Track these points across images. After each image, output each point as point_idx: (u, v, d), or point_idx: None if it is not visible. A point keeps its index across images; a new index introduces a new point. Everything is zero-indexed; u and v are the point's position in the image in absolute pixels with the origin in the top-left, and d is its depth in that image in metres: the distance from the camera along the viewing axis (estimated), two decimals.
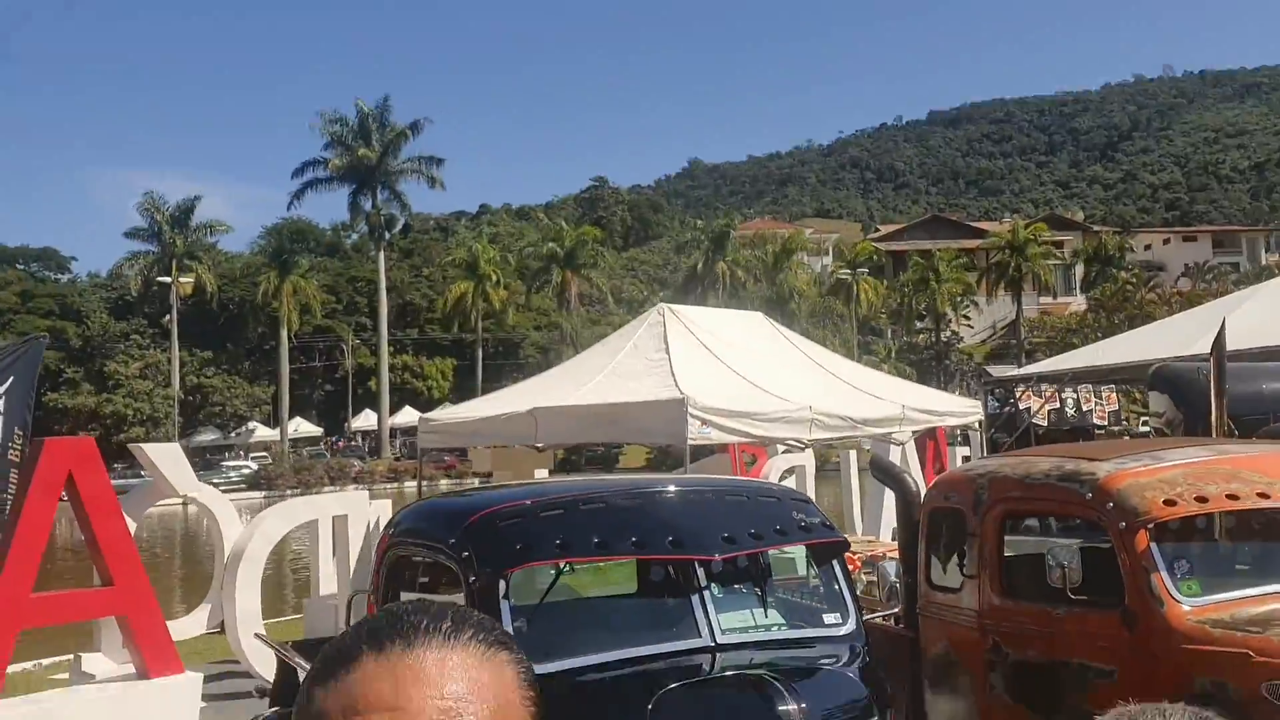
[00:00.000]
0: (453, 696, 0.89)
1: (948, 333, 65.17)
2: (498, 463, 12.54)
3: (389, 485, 46.28)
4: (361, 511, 9.75)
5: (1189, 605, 4.27)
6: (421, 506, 4.59)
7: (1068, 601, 4.55)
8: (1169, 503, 4.38)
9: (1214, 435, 6.49)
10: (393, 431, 59.67)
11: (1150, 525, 4.38)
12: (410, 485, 44.01)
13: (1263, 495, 4.41)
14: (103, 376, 58.70)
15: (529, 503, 3.91)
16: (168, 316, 58.55)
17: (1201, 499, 4.39)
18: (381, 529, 8.92)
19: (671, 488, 4.14)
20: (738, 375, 9.69)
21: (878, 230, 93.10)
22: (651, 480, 4.34)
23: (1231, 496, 4.39)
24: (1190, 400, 8.37)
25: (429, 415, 11.90)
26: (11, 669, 7.76)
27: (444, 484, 41.53)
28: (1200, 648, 4.15)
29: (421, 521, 4.35)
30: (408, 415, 55.48)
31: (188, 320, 59.47)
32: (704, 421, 8.47)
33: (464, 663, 0.92)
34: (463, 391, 51.98)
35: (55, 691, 7.82)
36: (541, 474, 11.86)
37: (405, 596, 4.46)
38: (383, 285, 59.13)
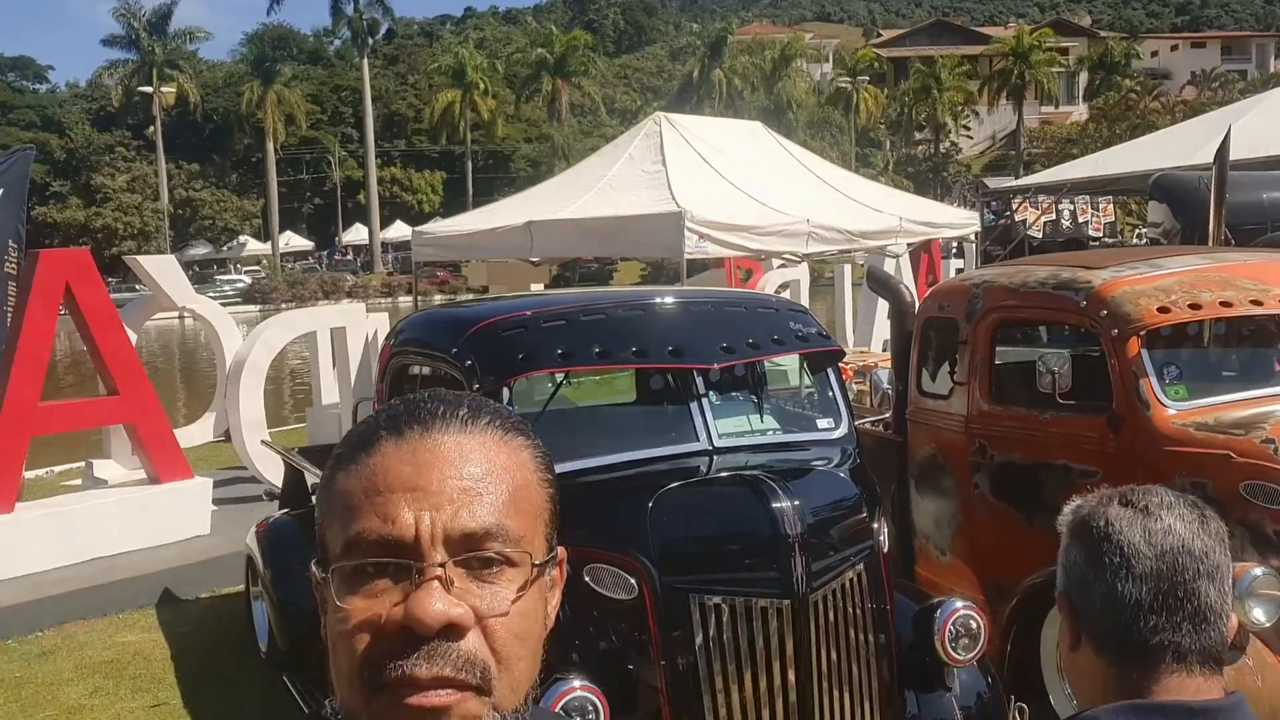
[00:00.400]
0: (471, 477, 0.90)
1: (947, 144, 64.11)
2: (493, 277, 12.56)
3: (383, 300, 46.43)
4: (359, 323, 9.84)
5: (1174, 409, 4.38)
6: (423, 316, 4.63)
7: (1055, 406, 4.67)
8: (1162, 310, 4.42)
9: (1210, 245, 6.49)
10: (384, 246, 59.41)
11: (1143, 332, 4.44)
12: (404, 300, 44.22)
13: (1256, 302, 4.46)
14: (90, 190, 57.87)
15: (530, 313, 3.94)
16: (151, 128, 57.22)
17: (1195, 306, 4.44)
18: (381, 340, 9.05)
19: (671, 299, 4.16)
20: (735, 188, 9.58)
21: (880, 35, 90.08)
22: (651, 292, 4.36)
23: (1225, 304, 4.44)
24: (1189, 210, 8.34)
25: (422, 228, 11.81)
26: (25, 475, 8.00)
27: (438, 299, 41.67)
28: (1182, 449, 4.28)
29: (423, 331, 4.39)
30: (399, 229, 55.08)
31: (172, 132, 58.17)
32: (701, 235, 8.43)
33: (482, 445, 0.93)
34: (453, 205, 51.42)
35: (71, 495, 8.09)
36: (537, 288, 11.91)
37: None
38: (367, 93, 57.56)
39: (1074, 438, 4.65)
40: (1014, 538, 4.88)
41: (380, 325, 9.94)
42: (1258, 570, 3.91)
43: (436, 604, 0.85)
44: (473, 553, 0.89)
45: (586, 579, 3.45)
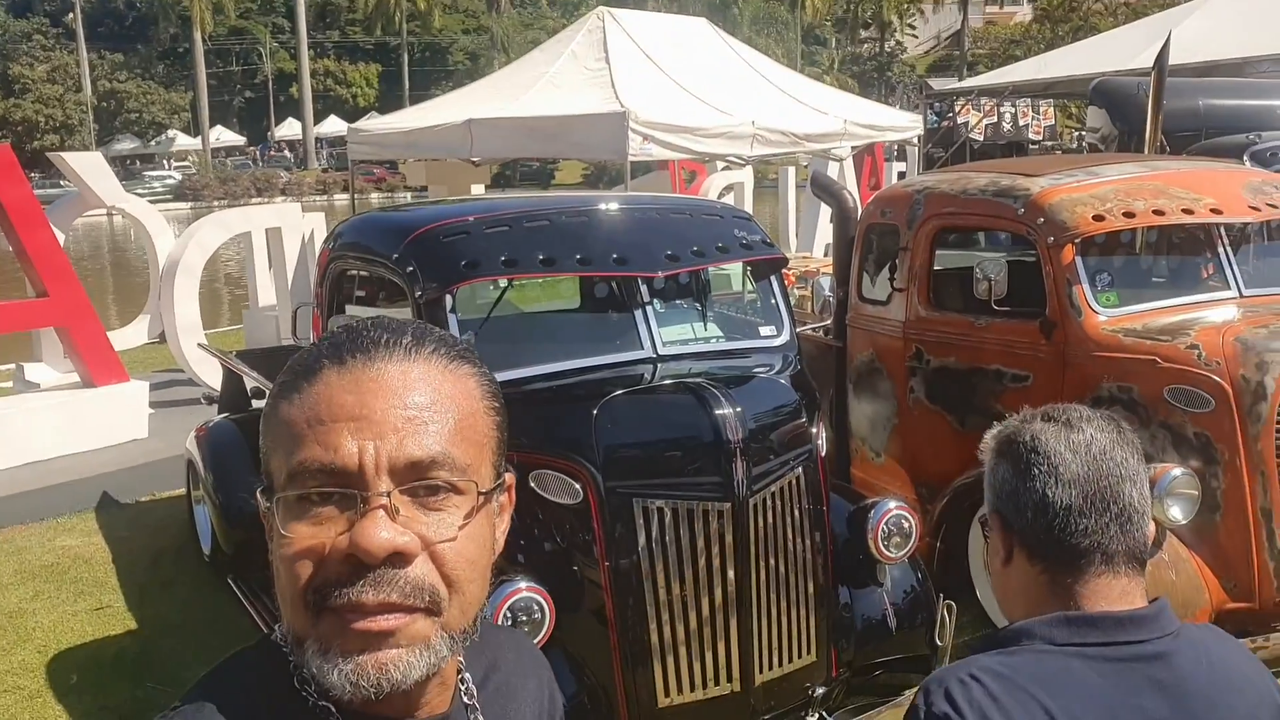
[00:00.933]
0: (416, 406, 0.90)
1: (892, 43, 63.52)
2: (432, 177, 12.29)
3: (318, 197, 45.35)
4: (295, 223, 9.64)
5: (1105, 315, 4.50)
6: (362, 220, 4.54)
7: (990, 312, 4.77)
8: (1098, 218, 4.51)
9: (1147, 151, 6.59)
10: (319, 141, 57.78)
11: (1077, 240, 4.52)
12: (340, 198, 43.24)
13: (1187, 211, 4.56)
14: (7, 80, 55.20)
15: (472, 219, 3.89)
16: (70, 15, 54.47)
17: (1129, 214, 4.52)
18: (319, 242, 8.88)
19: (616, 205, 4.13)
20: (680, 88, 9.44)
21: None
22: (596, 198, 4.32)
23: (1158, 212, 4.53)
24: (1127, 116, 8.43)
25: (358, 125, 11.49)
26: None
27: (374, 197, 40.78)
28: (1111, 355, 4.41)
29: (363, 236, 4.32)
30: (333, 124, 53.50)
31: (93, 20, 55.55)
32: (645, 137, 8.33)
33: (426, 374, 0.92)
34: (388, 99, 50.06)
35: (2, 400, 7.92)
36: (478, 189, 11.70)
37: (350, 309, 4.51)
38: None
39: (1007, 343, 4.77)
40: (946, 440, 5.02)
41: (317, 226, 9.74)
42: (1177, 471, 4.09)
43: (382, 532, 0.86)
44: (419, 481, 0.89)
45: (532, 485, 3.50)
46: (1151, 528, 1.37)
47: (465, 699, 1.03)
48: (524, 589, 3.28)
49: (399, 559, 0.87)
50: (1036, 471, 1.35)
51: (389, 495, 0.87)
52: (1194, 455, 4.20)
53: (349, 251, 4.29)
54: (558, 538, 3.53)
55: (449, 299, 3.67)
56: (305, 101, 56.37)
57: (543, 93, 9.50)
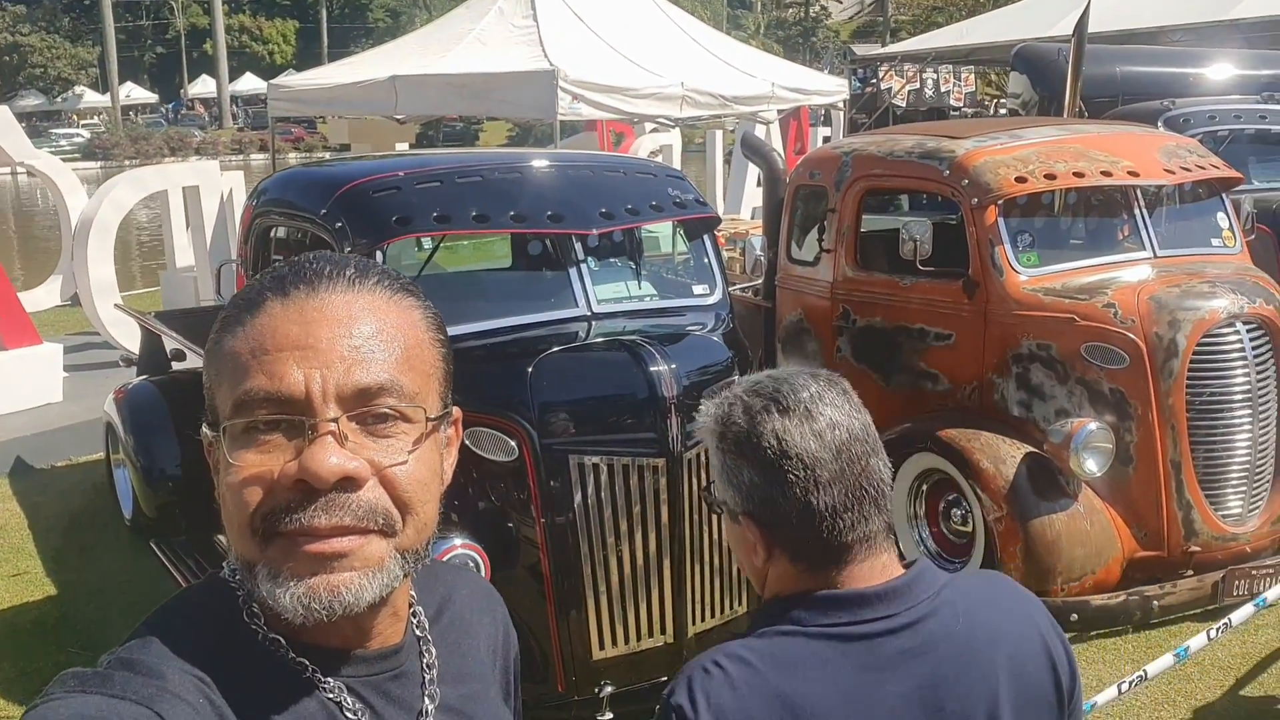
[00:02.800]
0: (361, 336, 0.90)
1: (816, 8, 63.72)
2: (355, 135, 12.03)
3: (234, 157, 44.06)
4: (214, 182, 9.38)
5: (1026, 275, 4.62)
6: (288, 175, 4.44)
7: (915, 273, 4.86)
8: (1020, 180, 4.61)
9: (1066, 116, 6.74)
10: (234, 100, 56.10)
11: (1000, 201, 4.63)
12: (257, 158, 42.10)
13: (1105, 173, 4.69)
14: None
15: (403, 174, 3.83)
16: None
17: (1050, 176, 4.64)
18: (240, 201, 8.66)
19: (549, 163, 4.10)
20: (609, 47, 9.36)
21: None
22: (528, 154, 4.29)
23: (1078, 174, 4.65)
24: (1048, 81, 8.60)
25: (278, 81, 11.19)
26: None
27: (292, 158, 39.79)
28: (1031, 313, 4.54)
29: (289, 191, 4.22)
30: (250, 82, 52.04)
31: None
32: (574, 96, 8.26)
33: (371, 305, 0.92)
34: (307, 58, 48.79)
35: None
36: (402, 149, 11.50)
37: None
38: None
39: (932, 302, 4.87)
40: (872, 398, 5.03)
41: (236, 184, 9.51)
42: (1093, 425, 4.24)
43: (331, 457, 0.86)
44: (366, 408, 0.89)
45: (467, 442, 3.49)
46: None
47: (417, 631, 1.04)
48: (459, 546, 3.29)
49: (349, 484, 0.87)
50: (793, 478, 1.27)
51: (337, 422, 0.87)
52: (1109, 410, 4.35)
53: (274, 208, 4.20)
54: (493, 495, 3.54)
55: (379, 255, 3.62)
56: (220, 58, 54.61)
57: (469, 49, 9.34)
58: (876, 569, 1.30)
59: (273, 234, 4.34)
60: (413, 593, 1.04)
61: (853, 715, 1.23)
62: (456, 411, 1.02)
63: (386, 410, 0.90)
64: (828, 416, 1.28)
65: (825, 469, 1.27)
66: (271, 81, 11.24)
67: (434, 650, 1.04)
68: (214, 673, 0.89)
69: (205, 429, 0.93)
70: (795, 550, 1.30)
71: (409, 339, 0.94)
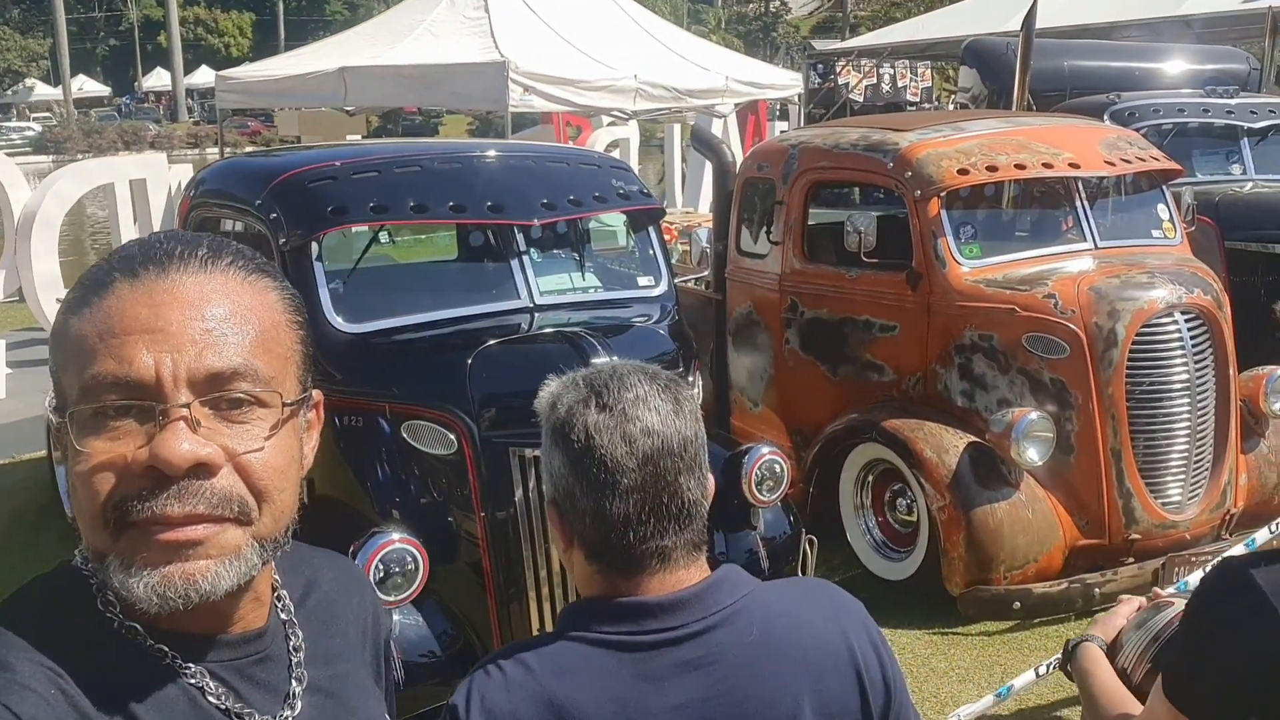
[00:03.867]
0: (214, 319, 0.88)
1: (776, 3, 63.91)
2: (306, 127, 11.90)
3: (189, 151, 43.42)
4: (161, 175, 9.25)
5: (968, 266, 4.65)
6: (225, 165, 4.38)
7: (861, 264, 4.89)
8: (962, 172, 4.64)
9: (1015, 110, 6.80)
10: (189, 93, 55.29)
11: (943, 193, 4.66)
12: (212, 151, 41.58)
13: (1047, 165, 4.73)
14: None
15: (339, 164, 3.78)
16: None
17: (992, 168, 4.67)
18: (183, 190, 8.54)
19: (490, 152, 4.07)
20: (562, 39, 9.33)
21: None
22: (469, 144, 4.26)
23: (1019, 166, 4.69)
24: (997, 75, 8.67)
25: (228, 73, 11.02)
26: None
27: (249, 150, 39.23)
28: (973, 304, 4.57)
29: (225, 181, 4.16)
30: (205, 75, 51.16)
31: None
32: (526, 88, 8.22)
33: (224, 286, 0.90)
34: (263, 50, 48.09)
35: None
36: (353, 139, 11.40)
37: None
38: None
39: (877, 294, 4.90)
40: (819, 389, 5.15)
41: (184, 177, 9.35)
42: (1034, 414, 4.27)
43: (183, 444, 0.84)
44: (219, 393, 0.87)
45: (405, 435, 3.45)
46: (710, 489, 1.30)
47: (282, 615, 1.02)
48: (396, 541, 3.24)
49: (203, 470, 0.85)
50: (593, 477, 1.23)
51: (189, 407, 0.85)
52: (1050, 400, 4.39)
53: (211, 198, 4.14)
54: (432, 489, 3.50)
55: (314, 247, 3.57)
56: (174, 51, 53.78)
57: (420, 40, 9.28)
58: (669, 584, 1.26)
59: (209, 225, 4.27)
60: (276, 576, 1.02)
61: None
62: (317, 395, 0.99)
63: (241, 395, 0.88)
64: (645, 422, 1.24)
65: (627, 476, 1.23)
66: (220, 73, 11.08)
67: (300, 633, 1.02)
68: (67, 663, 0.86)
69: (51, 414, 0.90)
70: (589, 549, 1.27)
71: (264, 321, 0.91)
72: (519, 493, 3.36)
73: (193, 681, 0.91)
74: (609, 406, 1.25)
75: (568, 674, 1.23)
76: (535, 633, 3.38)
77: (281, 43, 49.54)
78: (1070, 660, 1.70)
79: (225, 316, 0.89)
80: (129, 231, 9.59)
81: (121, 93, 60.88)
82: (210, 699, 0.92)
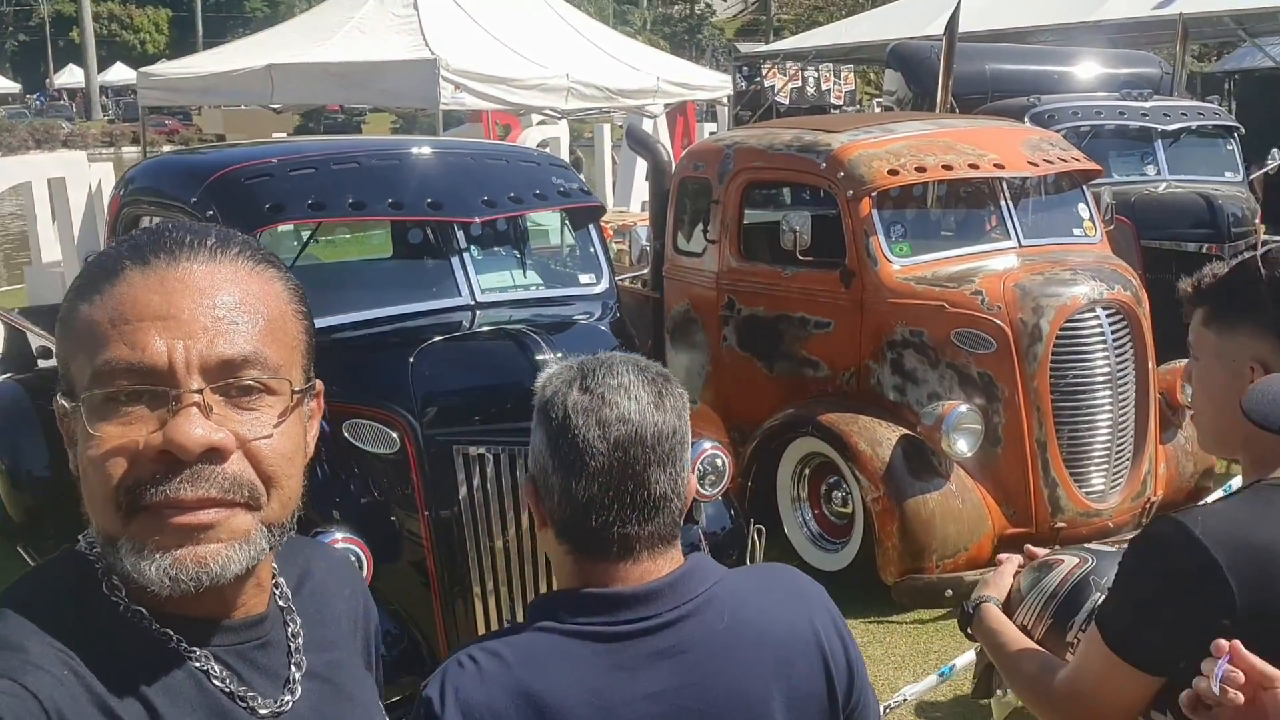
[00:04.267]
0: (225, 306, 0.89)
1: (701, 5, 64.32)
2: (230, 125, 11.73)
3: (104, 150, 42.19)
4: (81, 174, 9.00)
5: (899, 264, 4.77)
6: (157, 163, 4.29)
7: (796, 263, 4.97)
8: (892, 172, 4.75)
9: (938, 112, 6.96)
10: (104, 90, 53.75)
11: (874, 193, 4.76)
12: (129, 150, 40.46)
13: (973, 166, 4.86)
14: None
15: (276, 160, 3.73)
16: None
17: (921, 169, 4.79)
18: (111, 189, 8.32)
19: (429, 149, 4.05)
20: (493, 38, 9.30)
21: None
22: (407, 141, 4.23)
23: (947, 166, 4.82)
24: (921, 78, 8.88)
25: (150, 69, 10.76)
26: None
27: (167, 149, 38.32)
28: (904, 301, 4.69)
29: (158, 179, 4.08)
30: (120, 73, 49.87)
31: None
32: (457, 86, 8.18)
33: (233, 275, 0.92)
34: (180, 48, 47.00)
35: None
36: (280, 139, 11.22)
37: None
38: None
39: (811, 291, 4.99)
40: (756, 384, 5.23)
41: (105, 176, 9.15)
42: (963, 407, 4.40)
43: (196, 429, 0.85)
44: (230, 380, 0.88)
45: (346, 434, 3.43)
46: (690, 490, 1.32)
47: (280, 602, 1.04)
48: (340, 540, 3.21)
49: (215, 455, 0.87)
50: (562, 458, 1.26)
51: (201, 393, 0.86)
52: (977, 393, 4.52)
53: (143, 196, 4.05)
54: (374, 489, 3.48)
55: None
56: (88, 47, 52.23)
57: (349, 38, 9.17)
58: (635, 574, 1.28)
59: (142, 224, 4.19)
60: (274, 564, 1.04)
61: (597, 714, 1.23)
62: (319, 384, 1.01)
63: (250, 382, 0.90)
64: (621, 409, 1.26)
65: (595, 459, 1.25)
66: (142, 69, 10.81)
67: (298, 620, 1.04)
68: (76, 646, 0.87)
69: (60, 399, 0.90)
70: (559, 528, 1.30)
71: (272, 310, 0.93)
72: (463, 491, 3.35)
73: (198, 665, 0.93)
74: (590, 390, 1.27)
75: (542, 665, 1.24)
76: (480, 631, 3.38)
77: (200, 40, 48.44)
78: (971, 622, 1.77)
79: (235, 304, 0.90)
80: (47, 231, 9.33)
81: (32, 90, 58.87)
82: (215, 682, 0.93)
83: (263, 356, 0.90)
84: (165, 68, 10.87)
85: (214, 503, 0.87)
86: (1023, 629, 1.69)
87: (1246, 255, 1.60)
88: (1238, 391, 1.49)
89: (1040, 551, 1.81)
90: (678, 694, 1.25)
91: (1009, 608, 1.73)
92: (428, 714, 1.23)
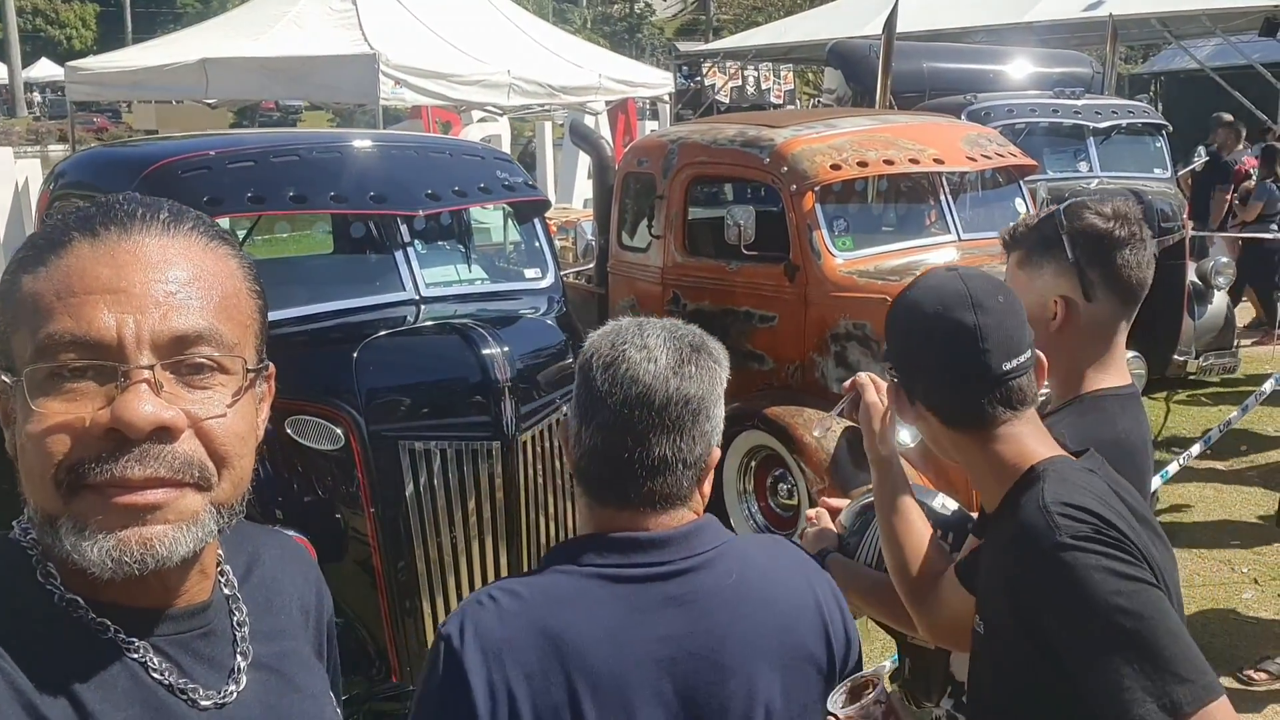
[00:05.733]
0: (178, 281, 0.87)
1: (641, 4, 64.41)
2: (163, 121, 11.42)
3: (30, 148, 41.02)
4: (6, 170, 8.78)
5: (842, 259, 4.81)
6: (89, 156, 4.17)
7: (740, 257, 5.00)
8: (835, 167, 4.80)
9: (878, 109, 7.04)
10: (28, 87, 52.28)
11: (817, 188, 4.80)
12: (55, 148, 39.43)
13: (913, 160, 4.93)
14: None
15: (214, 153, 3.65)
16: None
17: (863, 163, 4.84)
18: (41, 184, 8.09)
19: (371, 142, 4.00)
20: (433, 33, 9.22)
21: None
22: (349, 134, 4.17)
23: (888, 161, 4.88)
24: (860, 76, 8.98)
25: (79, 63, 10.48)
26: None
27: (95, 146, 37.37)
28: (847, 294, 4.73)
29: (90, 173, 3.97)
30: (46, 69, 48.50)
31: None
32: (397, 81, 8.09)
33: (187, 250, 0.89)
34: (109, 43, 45.82)
35: None
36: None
37: None
38: None
39: (756, 285, 5.02)
40: None
41: (32, 173, 8.91)
42: None
43: (146, 405, 0.82)
44: (182, 357, 0.86)
45: (289, 431, 3.37)
46: (712, 459, 1.36)
47: (226, 590, 1.01)
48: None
49: (165, 434, 0.84)
50: (581, 405, 1.34)
51: (152, 369, 0.84)
52: None
53: (74, 190, 3.94)
54: (318, 486, 3.43)
55: None
56: (12, 41, 50.71)
57: (285, 31, 9.02)
58: (645, 523, 1.33)
59: None
60: (220, 551, 1.01)
61: (613, 651, 1.27)
62: (270, 366, 0.99)
63: (203, 360, 0.87)
64: (635, 370, 1.30)
65: (602, 412, 1.31)
66: (70, 63, 10.52)
67: (244, 608, 1.01)
68: (3, 638, 0.84)
69: (0, 375, 0.86)
70: (576, 472, 1.37)
71: (226, 288, 0.91)
72: (410, 487, 3.31)
73: (135, 656, 0.89)
74: (622, 345, 1.33)
75: (561, 603, 1.28)
76: (430, 631, 3.35)
77: (129, 35, 47.34)
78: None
79: (189, 280, 0.87)
80: None
81: None
82: (153, 675, 0.90)
83: (217, 333, 0.88)
84: (94, 61, 10.60)
85: (162, 482, 0.84)
86: (868, 565, 1.86)
87: (1052, 208, 1.87)
88: (1045, 324, 1.78)
89: (836, 502, 2.02)
90: (687, 639, 1.30)
91: (846, 551, 1.90)
92: (447, 650, 1.26)
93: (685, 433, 1.32)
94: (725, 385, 1.39)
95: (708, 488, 1.39)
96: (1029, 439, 1.51)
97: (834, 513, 1.99)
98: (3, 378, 0.86)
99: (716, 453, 1.37)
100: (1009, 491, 1.48)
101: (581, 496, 1.38)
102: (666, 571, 1.31)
